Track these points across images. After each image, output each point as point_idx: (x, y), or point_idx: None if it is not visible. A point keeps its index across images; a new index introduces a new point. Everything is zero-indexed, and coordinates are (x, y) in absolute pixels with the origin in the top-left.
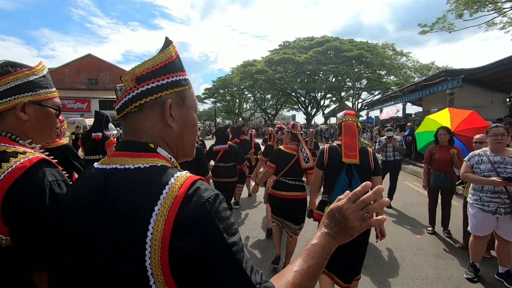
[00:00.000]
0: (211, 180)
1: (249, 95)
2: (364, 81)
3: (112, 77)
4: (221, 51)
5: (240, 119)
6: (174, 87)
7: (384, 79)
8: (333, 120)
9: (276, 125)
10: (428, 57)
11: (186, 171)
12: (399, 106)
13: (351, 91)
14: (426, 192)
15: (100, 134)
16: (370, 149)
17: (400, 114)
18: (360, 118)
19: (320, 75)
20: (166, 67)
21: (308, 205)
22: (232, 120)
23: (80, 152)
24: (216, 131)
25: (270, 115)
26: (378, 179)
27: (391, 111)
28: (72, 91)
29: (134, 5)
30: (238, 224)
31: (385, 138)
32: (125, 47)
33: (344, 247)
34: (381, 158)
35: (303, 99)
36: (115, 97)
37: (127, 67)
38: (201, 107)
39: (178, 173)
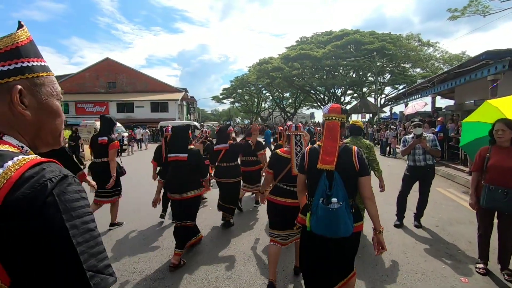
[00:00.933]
0: (213, 181)
1: (267, 94)
2: (387, 76)
3: (129, 79)
4: (240, 51)
5: (259, 118)
6: (25, 72)
7: (409, 72)
8: (354, 118)
9: (287, 125)
10: (458, 47)
11: (35, 156)
12: (427, 99)
13: (373, 87)
14: (475, 211)
15: (106, 138)
16: (355, 147)
17: (428, 108)
18: (383, 115)
19: (340, 70)
20: (12, 52)
21: None
22: (250, 120)
23: (89, 155)
24: (217, 130)
25: (289, 114)
26: (365, 179)
27: (418, 104)
28: (92, 95)
29: (156, 10)
30: (249, 227)
31: (412, 137)
32: (148, 51)
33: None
34: (407, 162)
35: (322, 96)
36: (133, 99)
37: (151, 71)
38: (220, 107)
39: (21, 156)
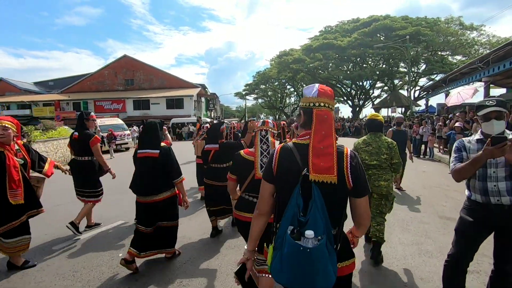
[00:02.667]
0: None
1: (291, 89)
2: (422, 66)
3: (146, 76)
4: (266, 47)
5: (283, 114)
6: None
7: (449, 60)
8: (384, 112)
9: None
10: (506, 32)
11: None
12: (478, 85)
13: (406, 78)
14: None
15: (77, 133)
16: (348, 149)
17: (480, 96)
18: (418, 108)
19: (369, 62)
20: None
21: None
22: (274, 116)
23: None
24: (209, 128)
25: None
26: (363, 202)
27: (465, 91)
28: (111, 92)
29: (184, 10)
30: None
31: (479, 141)
32: (178, 51)
33: None
34: (467, 193)
35: (348, 90)
36: (149, 96)
37: (180, 70)
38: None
39: None
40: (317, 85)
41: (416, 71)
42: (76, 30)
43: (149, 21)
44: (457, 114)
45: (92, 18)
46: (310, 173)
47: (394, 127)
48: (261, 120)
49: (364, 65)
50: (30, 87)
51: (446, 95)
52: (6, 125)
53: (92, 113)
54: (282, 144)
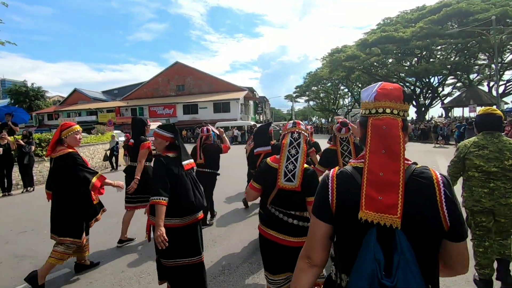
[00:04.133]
0: None
1: (345, 90)
2: (509, 56)
3: (196, 81)
4: (320, 49)
5: (335, 117)
6: None
7: None
8: (457, 112)
9: (337, 121)
10: None
11: None
12: None
13: (486, 71)
14: None
15: (133, 140)
16: (437, 173)
17: None
18: (506, 106)
19: (438, 55)
20: None
21: None
22: (326, 119)
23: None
24: (256, 131)
25: None
26: (461, 247)
27: None
28: (164, 98)
29: (239, 18)
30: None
31: None
32: (232, 57)
33: None
34: None
35: (412, 88)
36: (197, 101)
37: (234, 76)
38: (296, 106)
39: None
40: (379, 84)
41: (500, 62)
42: (144, 44)
43: (207, 31)
44: None
45: (158, 32)
46: (361, 211)
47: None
48: (291, 121)
49: (432, 60)
50: (98, 95)
51: None
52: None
53: (148, 119)
54: (337, 168)
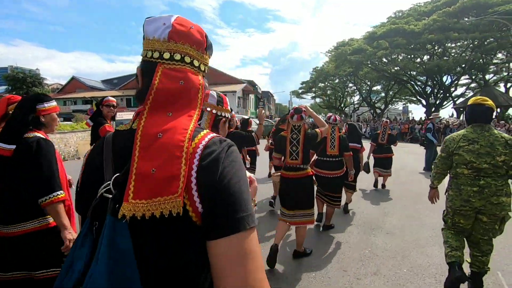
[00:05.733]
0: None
1: (353, 88)
2: None
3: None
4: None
5: (343, 115)
6: None
7: None
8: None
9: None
10: None
11: None
12: None
13: (504, 72)
14: None
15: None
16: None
17: None
18: None
19: (451, 51)
20: None
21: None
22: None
23: None
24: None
25: (379, 110)
26: (223, 245)
27: None
28: None
29: (251, 13)
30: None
31: None
32: (243, 52)
33: None
34: None
35: (423, 87)
36: None
37: (244, 71)
38: (303, 103)
39: None
40: (174, 16)
41: None
42: None
43: (218, 25)
44: None
45: None
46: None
47: None
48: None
49: (445, 58)
50: (97, 84)
51: None
52: None
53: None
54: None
